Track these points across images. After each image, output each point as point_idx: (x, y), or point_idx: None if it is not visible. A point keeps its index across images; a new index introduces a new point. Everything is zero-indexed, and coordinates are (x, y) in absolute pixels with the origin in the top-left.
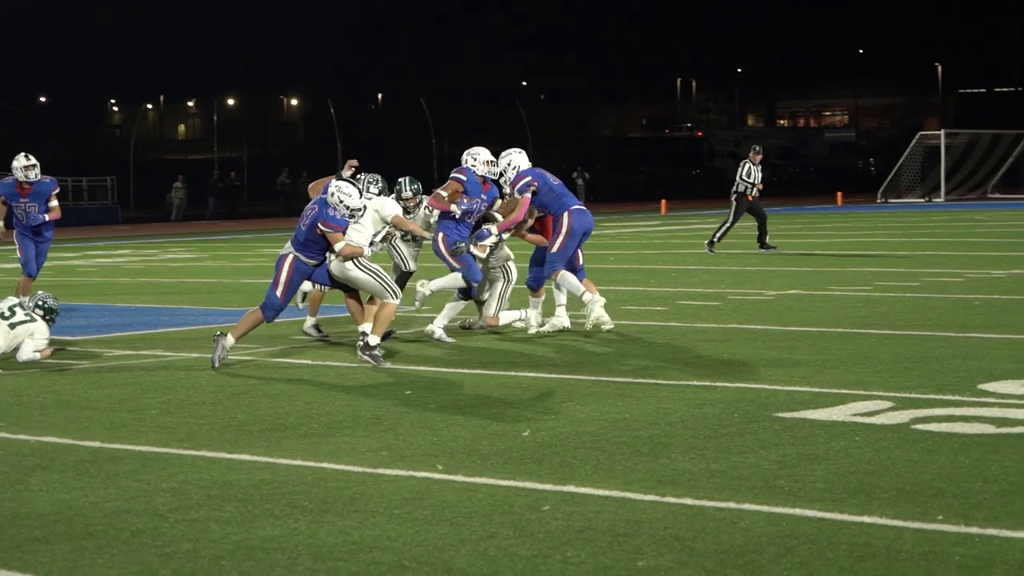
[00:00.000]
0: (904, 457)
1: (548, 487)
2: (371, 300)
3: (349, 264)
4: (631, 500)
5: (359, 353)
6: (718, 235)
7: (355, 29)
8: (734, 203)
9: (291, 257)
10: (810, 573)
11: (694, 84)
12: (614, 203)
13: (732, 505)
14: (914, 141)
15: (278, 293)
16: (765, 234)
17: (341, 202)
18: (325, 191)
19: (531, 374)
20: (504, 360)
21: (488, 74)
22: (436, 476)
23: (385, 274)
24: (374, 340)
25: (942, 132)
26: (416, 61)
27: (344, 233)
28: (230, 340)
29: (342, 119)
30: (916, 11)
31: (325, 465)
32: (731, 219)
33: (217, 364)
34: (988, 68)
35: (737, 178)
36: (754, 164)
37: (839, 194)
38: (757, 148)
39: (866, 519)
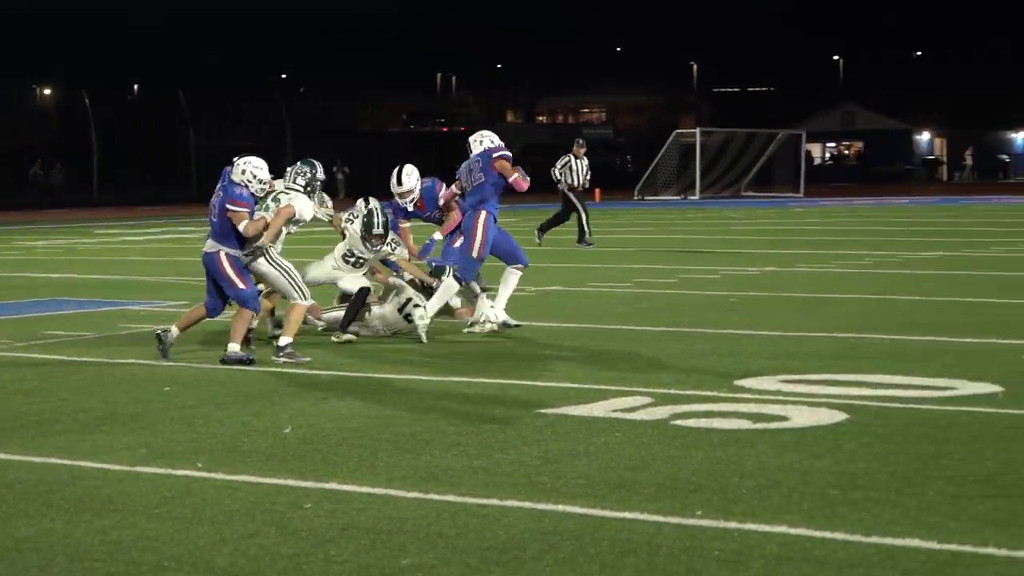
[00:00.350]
0: (664, 453)
1: (310, 484)
2: (268, 296)
3: (260, 259)
4: (394, 497)
5: (275, 357)
6: (587, 234)
7: (111, 17)
8: (572, 198)
9: (222, 254)
10: (573, 569)
11: (454, 79)
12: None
13: (495, 502)
14: (670, 139)
15: (241, 287)
16: (549, 229)
17: (255, 176)
18: (225, 176)
19: (292, 371)
20: (264, 357)
21: (248, 65)
22: (196, 474)
23: (296, 273)
24: (285, 340)
25: (697, 130)
26: (174, 52)
27: (251, 212)
28: (234, 347)
29: (97, 110)
30: (672, 10)
31: (82, 463)
32: (581, 211)
33: (251, 358)
34: (742, 67)
35: (557, 171)
36: (577, 157)
37: (597, 191)
38: (580, 141)
39: (627, 515)
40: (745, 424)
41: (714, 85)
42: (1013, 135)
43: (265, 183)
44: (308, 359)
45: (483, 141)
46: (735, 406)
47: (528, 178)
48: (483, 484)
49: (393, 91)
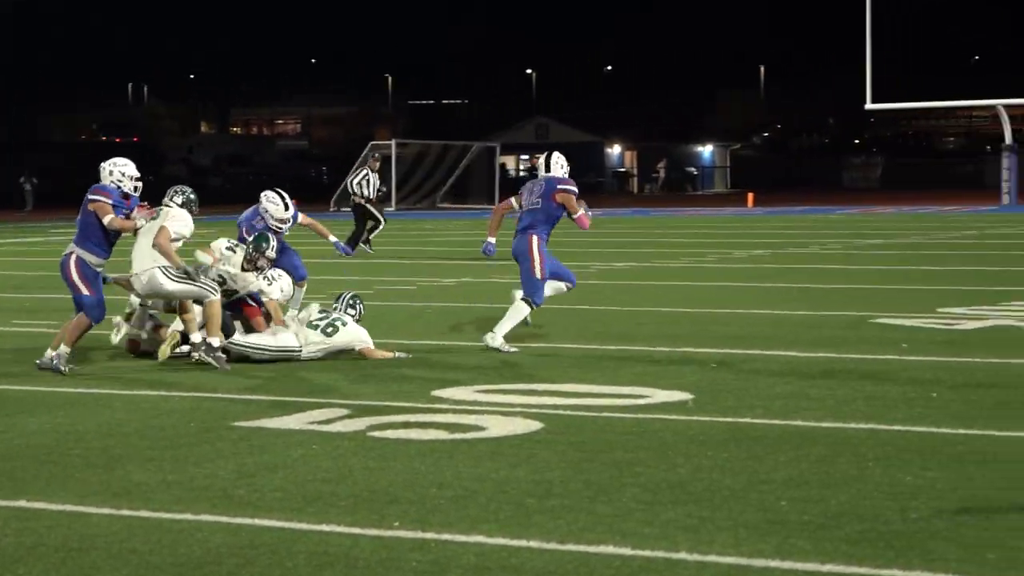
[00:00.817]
0: (361, 464)
1: None
2: (181, 309)
3: (160, 278)
4: (85, 514)
5: (199, 355)
6: (371, 235)
7: None
8: (371, 208)
9: (72, 258)
10: None
11: (146, 89)
12: (64, 208)
13: (190, 516)
14: (366, 150)
15: (86, 292)
16: (361, 238)
17: (124, 174)
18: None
19: None
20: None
21: None
22: None
23: (197, 274)
24: (216, 341)
25: (393, 142)
26: None
27: (116, 207)
28: (64, 349)
29: None
30: (367, 23)
31: None
32: (379, 219)
33: (65, 370)
34: (436, 80)
35: (355, 184)
36: (372, 171)
37: (293, 202)
38: (376, 155)
39: (324, 527)
40: (442, 435)
41: (409, 97)
42: (700, 148)
43: (136, 179)
44: (229, 367)
45: (562, 166)
46: (432, 417)
47: (591, 215)
48: (177, 499)
49: (84, 101)
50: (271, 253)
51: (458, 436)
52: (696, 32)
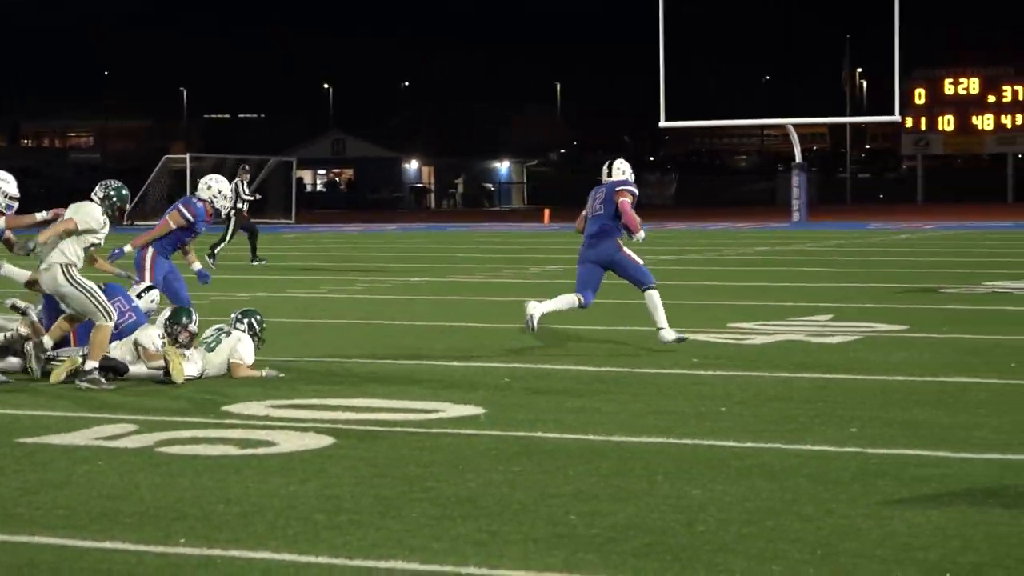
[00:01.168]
0: (147, 480)
1: None
2: (69, 319)
3: (61, 279)
4: None
5: (77, 382)
6: (217, 249)
7: None
8: (232, 218)
9: None
10: None
11: None
12: None
13: None
14: (160, 164)
15: None
16: (255, 249)
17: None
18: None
19: None
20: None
21: None
22: None
23: (100, 293)
24: (91, 364)
25: (187, 156)
26: None
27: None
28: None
29: None
30: (159, 34)
31: None
32: (228, 234)
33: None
34: (231, 94)
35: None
36: (243, 182)
37: None
38: (246, 167)
39: (108, 544)
40: (231, 450)
41: (204, 111)
42: (498, 165)
43: (13, 197)
44: (113, 386)
45: (623, 170)
46: (222, 432)
47: (642, 225)
48: None
49: None
50: (193, 327)
51: (248, 451)
52: (492, 48)
